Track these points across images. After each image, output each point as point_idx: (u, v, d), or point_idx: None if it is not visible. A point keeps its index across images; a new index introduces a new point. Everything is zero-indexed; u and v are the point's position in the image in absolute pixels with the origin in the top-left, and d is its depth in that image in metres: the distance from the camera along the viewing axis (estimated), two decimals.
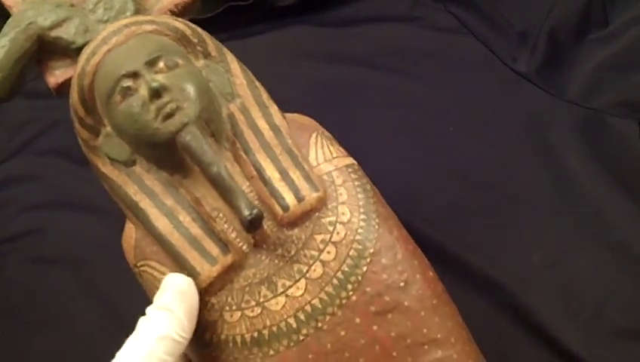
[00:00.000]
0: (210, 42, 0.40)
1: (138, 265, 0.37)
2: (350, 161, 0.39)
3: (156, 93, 0.35)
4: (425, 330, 0.35)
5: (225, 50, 0.41)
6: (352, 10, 0.65)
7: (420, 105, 0.58)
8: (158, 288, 0.36)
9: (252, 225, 0.34)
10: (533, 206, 0.51)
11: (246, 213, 0.34)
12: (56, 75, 0.40)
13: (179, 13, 0.41)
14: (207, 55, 0.40)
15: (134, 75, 0.36)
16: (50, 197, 0.61)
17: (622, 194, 0.50)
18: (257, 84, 0.40)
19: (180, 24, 0.39)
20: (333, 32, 0.65)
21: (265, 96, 0.39)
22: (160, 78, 0.36)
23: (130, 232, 0.38)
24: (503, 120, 0.55)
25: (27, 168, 0.63)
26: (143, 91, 0.36)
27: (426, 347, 0.35)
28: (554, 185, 0.51)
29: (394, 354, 0.34)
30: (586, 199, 0.50)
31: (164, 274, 0.36)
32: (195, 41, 0.39)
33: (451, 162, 0.54)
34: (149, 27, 0.38)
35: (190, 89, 0.36)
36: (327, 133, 0.40)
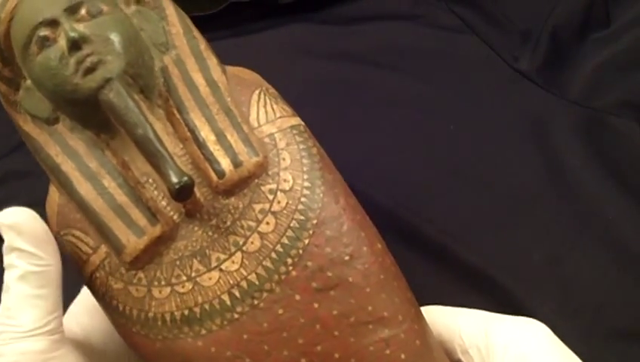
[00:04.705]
0: None
1: (61, 233, 0.34)
2: (296, 121, 0.35)
3: (75, 45, 0.32)
4: (370, 308, 0.32)
5: None
6: (353, 8, 0.64)
7: (421, 104, 0.57)
8: (83, 261, 0.33)
9: (180, 195, 0.31)
10: (533, 205, 0.50)
11: (174, 180, 0.30)
12: None
13: None
14: (139, 0, 0.35)
15: (52, 23, 0.32)
16: None
17: (623, 194, 0.49)
18: (195, 33, 0.36)
19: None
20: (334, 29, 0.63)
21: (203, 46, 0.36)
22: (80, 28, 0.32)
23: (55, 196, 0.35)
24: (504, 119, 0.55)
25: (27, 164, 0.59)
26: (62, 42, 0.32)
27: (370, 326, 0.32)
28: (555, 184, 0.51)
29: (335, 333, 0.32)
30: (586, 199, 0.50)
31: (88, 245, 0.33)
32: None
33: (452, 161, 0.53)
34: None
35: (115, 40, 0.32)
36: (271, 90, 0.36)
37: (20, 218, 0.32)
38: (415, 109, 0.56)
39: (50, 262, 0.32)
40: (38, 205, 0.56)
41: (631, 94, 0.53)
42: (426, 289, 0.40)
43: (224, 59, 0.59)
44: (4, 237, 0.32)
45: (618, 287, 0.46)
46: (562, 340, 0.39)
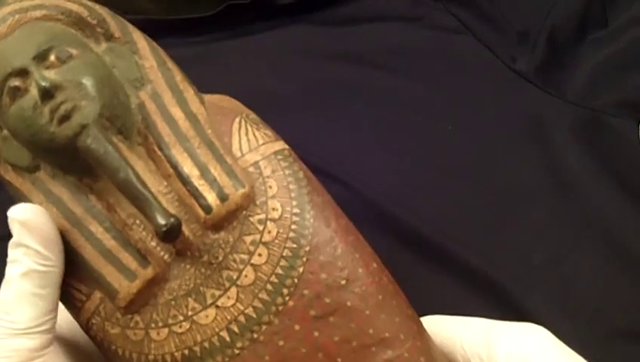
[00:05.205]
0: (113, 21, 0.35)
1: None
2: (280, 145, 0.35)
3: (47, 94, 0.31)
4: (371, 330, 0.32)
5: (131, 28, 0.36)
6: (352, 9, 0.64)
7: (419, 105, 0.57)
8: (78, 308, 0.33)
9: (168, 236, 0.30)
10: (532, 206, 0.50)
11: (160, 222, 0.30)
12: None
13: None
14: (109, 37, 0.35)
15: (22, 73, 0.32)
16: None
17: (621, 194, 0.49)
18: (170, 64, 0.35)
19: (74, 5, 0.34)
20: (333, 31, 0.63)
21: (179, 78, 0.35)
22: (51, 75, 0.32)
23: None
24: (502, 120, 0.55)
25: None
26: (34, 91, 0.32)
27: (373, 349, 0.32)
28: (553, 185, 0.51)
29: (339, 360, 0.32)
30: (585, 199, 0.50)
31: (81, 292, 0.33)
32: (94, 22, 0.35)
33: (451, 162, 0.53)
34: (36, 13, 0.33)
35: (87, 83, 0.32)
36: (252, 116, 0.36)
37: (31, 215, 0.32)
38: (413, 110, 0.56)
39: (55, 263, 0.32)
40: None
41: (629, 94, 0.53)
42: (425, 291, 0.40)
43: (223, 61, 0.59)
44: (14, 231, 0.32)
45: (618, 287, 0.46)
46: (562, 340, 0.39)
